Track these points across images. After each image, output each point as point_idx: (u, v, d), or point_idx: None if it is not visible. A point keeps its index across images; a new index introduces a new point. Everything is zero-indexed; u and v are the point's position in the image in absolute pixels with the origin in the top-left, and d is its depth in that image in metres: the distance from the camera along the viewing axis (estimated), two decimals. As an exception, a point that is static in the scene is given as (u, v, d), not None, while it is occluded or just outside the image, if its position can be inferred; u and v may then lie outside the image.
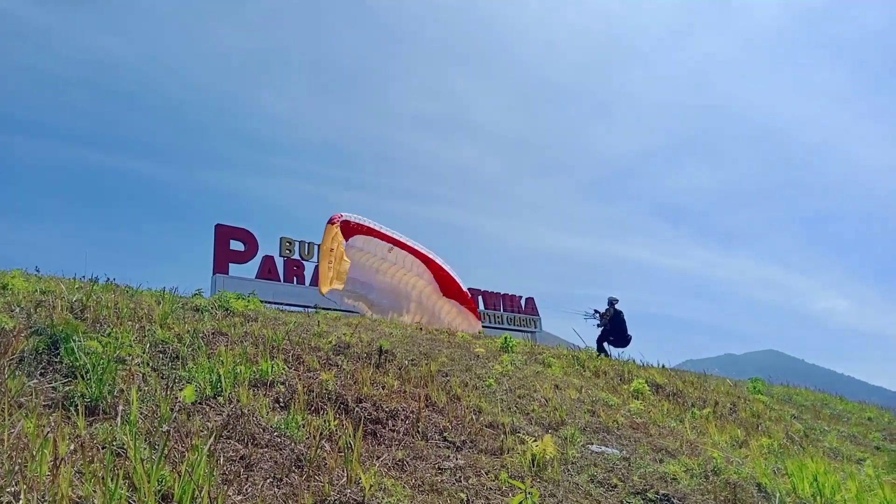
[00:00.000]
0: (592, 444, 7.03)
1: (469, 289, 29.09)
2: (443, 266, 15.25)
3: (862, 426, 14.06)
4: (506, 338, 12.11)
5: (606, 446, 7.03)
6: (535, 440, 6.16)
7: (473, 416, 6.96)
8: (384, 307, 15.08)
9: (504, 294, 30.70)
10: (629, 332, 15.58)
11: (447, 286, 15.40)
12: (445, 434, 6.27)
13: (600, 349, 15.70)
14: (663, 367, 15.13)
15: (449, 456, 5.73)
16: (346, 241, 13.42)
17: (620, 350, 15.79)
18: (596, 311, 16.04)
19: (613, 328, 15.69)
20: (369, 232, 14.34)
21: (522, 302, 31.33)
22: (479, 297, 29.77)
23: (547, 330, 31.23)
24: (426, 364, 8.63)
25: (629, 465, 6.44)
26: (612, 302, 15.88)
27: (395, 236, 14.80)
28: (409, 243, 14.90)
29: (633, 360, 14.95)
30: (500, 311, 30.15)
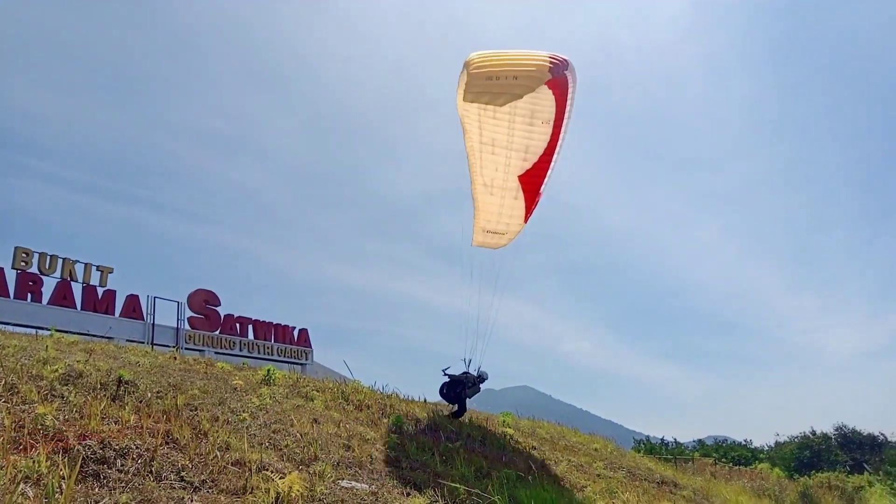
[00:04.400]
0: (343, 479, 7.00)
1: (239, 317, 27.81)
2: (551, 161, 11.97)
3: (589, 456, 15.90)
4: (269, 370, 11.66)
5: (357, 481, 7.05)
6: (283, 477, 5.96)
7: (219, 454, 6.53)
8: (476, 132, 11.49)
9: (276, 324, 29.79)
10: (462, 392, 15.12)
11: (532, 174, 12.07)
12: (183, 474, 5.79)
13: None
14: (425, 401, 15.71)
15: (184, 498, 5.29)
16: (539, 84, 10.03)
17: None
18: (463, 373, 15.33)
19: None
20: (561, 99, 10.84)
21: (295, 333, 30.67)
22: (250, 327, 28.51)
23: (319, 362, 30.83)
24: (173, 397, 7.95)
25: (377, 499, 6.52)
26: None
27: (565, 120, 11.35)
28: (562, 134, 11.59)
29: (397, 394, 15.32)
30: (270, 341, 29.14)
